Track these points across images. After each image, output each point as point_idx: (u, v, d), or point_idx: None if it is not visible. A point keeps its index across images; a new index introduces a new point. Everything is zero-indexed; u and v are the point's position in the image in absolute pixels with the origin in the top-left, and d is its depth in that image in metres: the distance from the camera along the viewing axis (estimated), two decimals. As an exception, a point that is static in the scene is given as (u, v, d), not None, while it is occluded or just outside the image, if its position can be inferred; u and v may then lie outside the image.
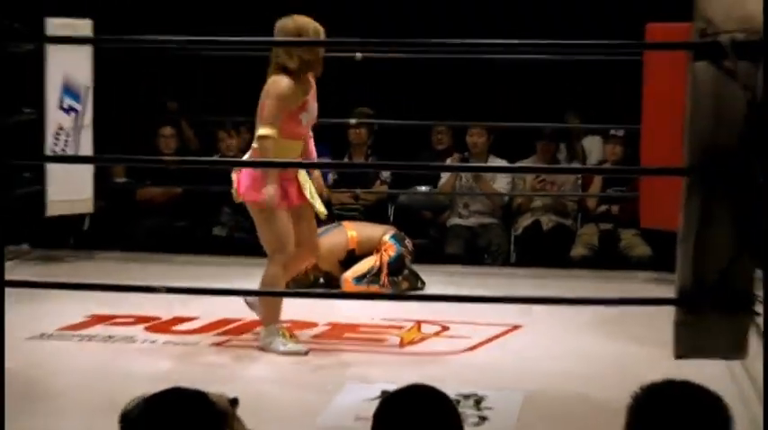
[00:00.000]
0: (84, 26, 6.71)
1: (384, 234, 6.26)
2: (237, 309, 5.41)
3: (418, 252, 6.76)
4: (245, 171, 4.79)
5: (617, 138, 7.18)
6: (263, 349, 4.88)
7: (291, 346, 4.87)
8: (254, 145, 4.75)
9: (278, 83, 4.70)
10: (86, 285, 5.25)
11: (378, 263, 6.12)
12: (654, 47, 5.77)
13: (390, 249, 6.17)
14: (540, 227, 7.34)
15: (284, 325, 4.98)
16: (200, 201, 7.62)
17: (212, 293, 5.18)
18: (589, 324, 5.43)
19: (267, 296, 5.21)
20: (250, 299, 5.10)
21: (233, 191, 4.88)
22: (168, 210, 7.63)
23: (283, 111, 4.69)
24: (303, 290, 5.16)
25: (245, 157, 4.90)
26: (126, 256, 7.17)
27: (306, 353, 4.87)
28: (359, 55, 6.75)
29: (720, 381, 3.50)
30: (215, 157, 7.55)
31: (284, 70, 4.71)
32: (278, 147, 4.67)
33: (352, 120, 7.29)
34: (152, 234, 7.50)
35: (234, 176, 4.84)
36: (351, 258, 6.23)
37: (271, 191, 4.67)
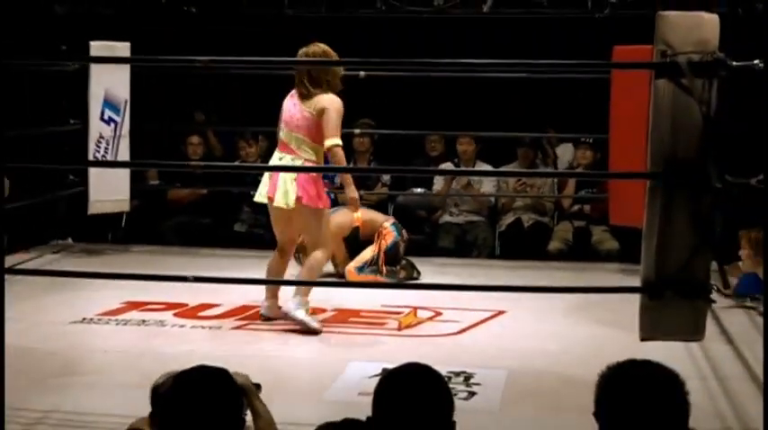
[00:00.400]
0: (122, 48, 6.70)
1: (385, 221, 6.22)
2: (255, 296, 5.40)
3: (414, 246, 6.73)
4: (307, 179, 4.82)
5: (587, 145, 7.14)
6: (285, 313, 4.86)
7: (311, 319, 4.87)
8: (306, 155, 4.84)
9: (336, 100, 4.85)
10: (123, 275, 5.23)
11: (377, 250, 6.06)
12: (620, 66, 5.76)
13: (389, 236, 6.12)
14: (521, 224, 7.31)
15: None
16: (223, 200, 7.58)
17: (234, 282, 5.16)
18: (565, 309, 5.41)
19: (283, 284, 5.25)
20: (267, 313, 5.13)
21: (265, 195, 4.96)
22: (194, 208, 7.59)
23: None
24: (316, 281, 5.13)
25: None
26: (157, 250, 7.14)
27: (318, 333, 4.87)
28: (362, 73, 6.73)
29: (680, 361, 3.54)
30: (236, 163, 7.51)
31: (329, 88, 4.88)
32: (320, 153, 4.86)
33: (356, 131, 7.27)
34: (180, 230, 7.47)
35: (289, 183, 4.82)
36: (355, 237, 6.17)
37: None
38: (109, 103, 6.84)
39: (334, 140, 4.79)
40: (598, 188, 7.15)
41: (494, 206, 7.53)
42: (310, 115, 4.88)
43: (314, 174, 4.90)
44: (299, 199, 4.85)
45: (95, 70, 6.70)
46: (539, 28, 7.53)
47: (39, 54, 6.97)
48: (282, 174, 4.89)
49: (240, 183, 7.51)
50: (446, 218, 7.44)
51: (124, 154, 6.91)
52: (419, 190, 7.55)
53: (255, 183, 7.36)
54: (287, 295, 5.07)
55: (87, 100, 6.71)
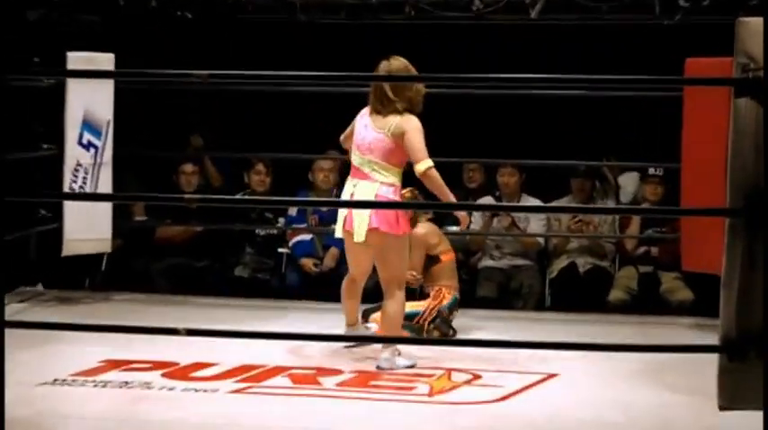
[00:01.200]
0: (105, 60, 6.76)
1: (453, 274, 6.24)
2: (258, 354, 5.41)
3: None
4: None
5: (656, 178, 7.17)
6: (382, 369, 5.22)
7: (407, 361, 5.28)
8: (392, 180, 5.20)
9: (414, 119, 5.24)
10: (102, 327, 5.20)
11: (432, 304, 6.10)
12: (694, 82, 5.74)
13: (450, 294, 6.13)
14: (576, 269, 7.32)
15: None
16: (222, 240, 7.65)
17: (234, 336, 5.14)
18: (628, 372, 5.36)
19: (295, 340, 5.27)
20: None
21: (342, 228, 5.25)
22: (188, 249, 7.65)
23: None
24: (329, 334, 5.22)
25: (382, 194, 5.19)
26: (144, 298, 7.17)
27: (413, 366, 5.29)
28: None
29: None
30: (240, 195, 7.57)
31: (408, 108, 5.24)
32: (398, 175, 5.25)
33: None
34: (171, 274, 7.54)
35: (365, 212, 5.16)
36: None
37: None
38: (89, 125, 6.89)
39: (426, 163, 5.17)
40: (668, 227, 7.13)
41: (543, 248, 7.55)
42: (384, 136, 5.21)
43: (392, 195, 5.19)
44: (374, 229, 5.16)
45: (73, 86, 6.77)
46: (596, 37, 7.54)
47: (6, 67, 7.01)
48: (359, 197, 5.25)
49: (243, 219, 7.54)
50: (487, 262, 7.47)
51: (106, 185, 6.95)
52: (455, 228, 7.47)
53: (262, 220, 7.61)
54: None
55: (63, 121, 6.78)
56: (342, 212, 5.38)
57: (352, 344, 5.67)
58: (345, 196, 5.36)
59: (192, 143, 8.19)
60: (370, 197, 5.18)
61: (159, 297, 7.21)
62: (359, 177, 5.27)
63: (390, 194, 5.21)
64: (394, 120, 5.21)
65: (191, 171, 7.77)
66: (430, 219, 6.39)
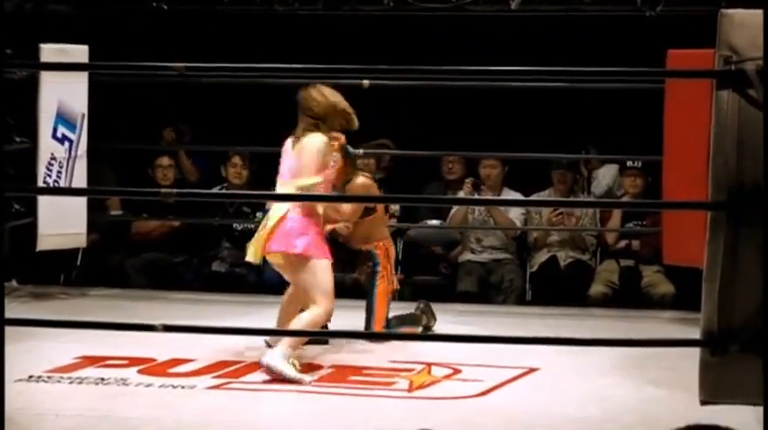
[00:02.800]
0: (79, 52, 6.74)
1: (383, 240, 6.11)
2: (236, 349, 5.41)
3: (429, 289, 6.80)
4: (291, 225, 5.18)
5: (635, 170, 7.18)
6: (267, 366, 4.99)
7: (298, 374, 5.02)
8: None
9: (319, 136, 5.34)
10: (77, 323, 5.23)
11: (386, 268, 6.01)
12: (676, 74, 5.75)
13: (391, 247, 6.09)
14: (556, 263, 7.34)
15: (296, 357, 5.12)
16: (199, 234, 7.64)
17: (212, 332, 5.16)
18: (609, 367, 5.38)
19: (272, 334, 5.27)
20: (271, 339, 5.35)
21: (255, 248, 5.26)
22: (165, 244, 7.64)
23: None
24: (318, 331, 5.24)
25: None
26: (120, 294, 7.18)
27: (309, 383, 5.00)
28: (366, 82, 6.75)
29: (748, 429, 3.48)
30: (217, 190, 7.55)
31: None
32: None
33: (360, 151, 7.23)
34: (148, 270, 7.53)
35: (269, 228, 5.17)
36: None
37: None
38: (63, 119, 6.88)
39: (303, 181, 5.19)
40: (649, 220, 7.15)
41: (523, 241, 7.57)
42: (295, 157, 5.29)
43: (307, 216, 5.18)
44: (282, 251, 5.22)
45: (47, 79, 6.74)
46: (578, 28, 7.55)
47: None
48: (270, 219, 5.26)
49: (220, 213, 7.56)
50: (467, 255, 7.48)
51: (80, 178, 6.94)
52: (434, 221, 7.58)
53: (239, 214, 7.61)
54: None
55: (37, 114, 6.75)
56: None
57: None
58: None
59: (165, 137, 8.16)
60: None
61: (136, 292, 7.22)
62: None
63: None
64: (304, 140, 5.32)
65: (167, 164, 7.76)
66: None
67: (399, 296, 7.11)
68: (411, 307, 6.25)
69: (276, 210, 5.26)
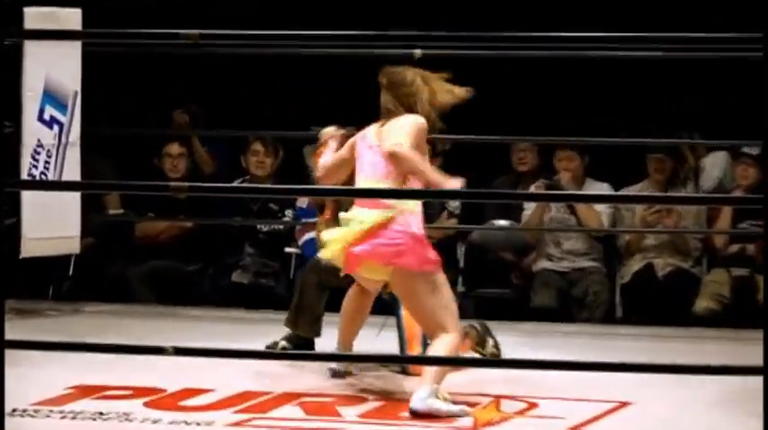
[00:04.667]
0: (71, 17, 6.75)
1: None
2: (263, 378, 5.40)
3: (496, 305, 6.88)
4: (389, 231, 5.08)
5: (750, 158, 7.16)
6: (419, 412, 4.94)
7: (454, 408, 5.01)
8: None
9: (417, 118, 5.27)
10: (70, 345, 5.21)
11: None
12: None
13: None
14: (653, 272, 7.33)
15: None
16: (216, 238, 7.70)
17: (233, 356, 5.12)
18: (719, 399, 5.33)
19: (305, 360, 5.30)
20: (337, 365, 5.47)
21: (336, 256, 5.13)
22: (175, 249, 7.70)
23: None
24: (345, 355, 5.23)
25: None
26: (122, 310, 7.20)
27: (466, 415, 5.00)
28: (418, 51, 6.72)
29: None
30: (237, 182, 7.59)
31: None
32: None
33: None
34: (155, 281, 7.58)
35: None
36: None
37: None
38: (51, 97, 6.90)
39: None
40: (768, 220, 7.08)
41: (612, 245, 7.53)
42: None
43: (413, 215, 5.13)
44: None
45: (32, 49, 6.76)
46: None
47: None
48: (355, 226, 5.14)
49: (242, 211, 7.61)
50: (543, 263, 7.48)
51: (73, 170, 6.96)
52: (503, 222, 7.59)
53: (265, 213, 7.64)
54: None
55: (20, 92, 6.77)
56: None
57: (340, 371, 5.58)
58: None
59: (176, 120, 8.24)
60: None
61: (140, 308, 7.26)
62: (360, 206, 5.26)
63: None
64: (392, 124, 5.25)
65: (177, 153, 7.81)
66: None
67: (461, 313, 7.17)
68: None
69: (367, 213, 5.14)
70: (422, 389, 4.96)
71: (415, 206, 5.18)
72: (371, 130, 5.29)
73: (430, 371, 5.01)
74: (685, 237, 7.40)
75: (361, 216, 5.14)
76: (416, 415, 4.93)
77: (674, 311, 7.05)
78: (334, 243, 5.16)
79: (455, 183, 5.07)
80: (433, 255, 5.16)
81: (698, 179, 7.57)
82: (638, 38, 5.91)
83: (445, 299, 5.17)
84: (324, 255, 5.27)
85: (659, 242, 7.40)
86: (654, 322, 6.95)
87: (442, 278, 5.19)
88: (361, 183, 5.25)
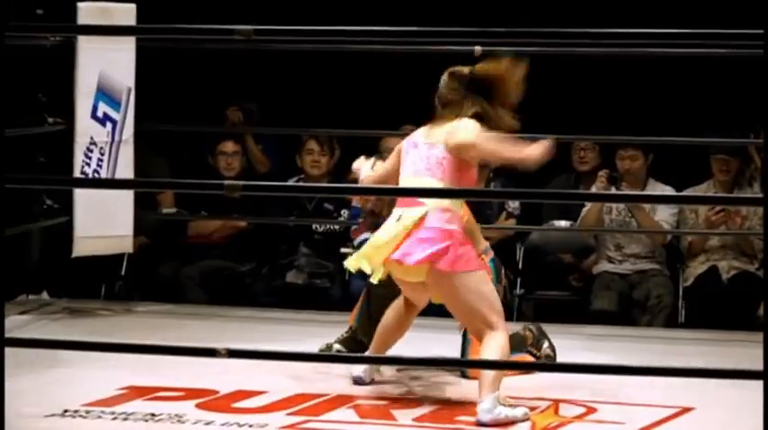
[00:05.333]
0: (125, 13, 6.78)
1: (485, 250, 5.99)
2: (316, 380, 5.42)
3: (555, 308, 6.89)
4: (431, 229, 5.02)
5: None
6: (488, 423, 4.93)
7: (518, 412, 5.03)
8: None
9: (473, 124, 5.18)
10: (122, 346, 5.24)
11: None
12: None
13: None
14: (717, 274, 7.31)
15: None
16: (271, 238, 7.72)
17: (287, 359, 5.11)
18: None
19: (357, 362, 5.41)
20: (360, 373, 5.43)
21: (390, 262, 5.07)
22: (229, 249, 7.73)
23: None
24: (419, 358, 5.22)
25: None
26: (174, 310, 7.22)
27: (526, 418, 5.01)
28: (478, 48, 6.71)
29: None
30: (293, 181, 7.63)
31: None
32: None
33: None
34: (208, 280, 7.62)
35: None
36: None
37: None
38: (104, 94, 6.94)
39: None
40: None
41: (675, 247, 7.51)
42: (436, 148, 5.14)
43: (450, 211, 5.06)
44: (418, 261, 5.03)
45: (85, 45, 6.80)
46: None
47: (2, 21, 7.08)
48: (392, 226, 5.10)
49: (297, 211, 7.66)
50: (603, 265, 7.47)
51: (126, 168, 7.00)
52: (563, 223, 7.58)
53: (320, 212, 7.69)
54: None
55: (73, 89, 6.82)
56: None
57: (363, 379, 5.50)
58: None
59: (230, 118, 8.28)
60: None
61: (193, 308, 7.27)
62: (403, 206, 5.18)
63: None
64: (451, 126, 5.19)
65: (232, 151, 7.84)
66: None
67: (518, 316, 7.29)
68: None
69: (409, 211, 5.10)
70: (485, 401, 4.93)
71: (452, 203, 5.10)
72: (419, 132, 5.27)
73: (487, 377, 4.96)
74: (750, 239, 7.34)
75: (398, 216, 5.12)
76: (485, 425, 4.92)
77: (739, 315, 6.99)
78: (366, 255, 5.15)
79: (537, 149, 5.07)
80: (471, 252, 5.12)
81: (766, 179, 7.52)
82: (700, 34, 5.87)
83: (487, 296, 5.11)
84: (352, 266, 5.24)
85: (723, 243, 7.36)
86: (717, 326, 6.89)
87: (481, 276, 5.14)
88: (402, 182, 5.21)
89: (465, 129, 5.03)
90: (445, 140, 5.08)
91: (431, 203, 5.05)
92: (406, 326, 5.42)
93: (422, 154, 5.16)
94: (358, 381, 5.46)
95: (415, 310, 5.40)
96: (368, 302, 5.81)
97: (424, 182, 5.10)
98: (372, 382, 5.48)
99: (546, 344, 5.99)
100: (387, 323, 5.43)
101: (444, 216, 5.05)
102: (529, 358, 5.88)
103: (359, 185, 5.53)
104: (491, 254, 5.97)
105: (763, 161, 7.27)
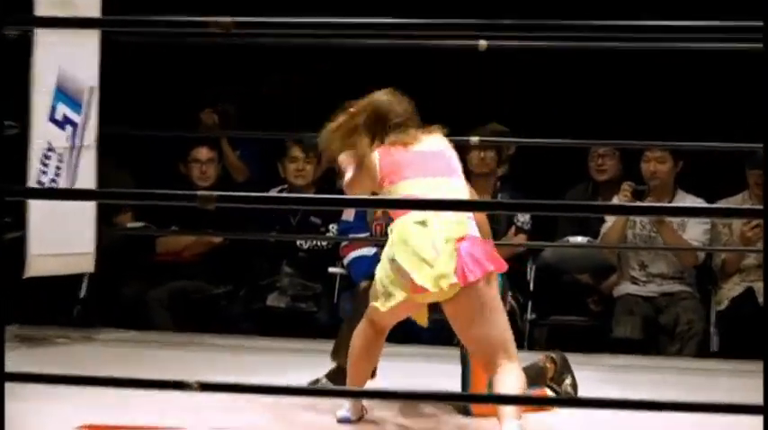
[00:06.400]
0: (88, 3, 6.74)
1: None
2: (301, 417, 5.38)
3: (572, 335, 6.96)
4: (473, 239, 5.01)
5: None
6: None
7: None
8: None
9: None
10: (82, 379, 5.17)
11: None
12: None
13: None
14: (753, 297, 7.27)
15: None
16: (250, 256, 7.69)
17: (268, 392, 5.07)
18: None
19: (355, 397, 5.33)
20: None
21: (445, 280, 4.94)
22: (202, 269, 7.72)
23: None
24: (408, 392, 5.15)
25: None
26: (140, 337, 7.21)
27: None
28: (483, 42, 6.69)
29: None
30: (275, 191, 7.63)
31: None
32: None
33: (474, 138, 7.19)
34: (178, 304, 7.59)
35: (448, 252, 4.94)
36: None
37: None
38: (64, 94, 6.92)
39: None
40: None
41: (707, 267, 7.50)
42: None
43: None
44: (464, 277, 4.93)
45: (43, 40, 6.75)
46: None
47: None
48: (429, 235, 4.96)
49: (279, 225, 7.65)
50: (626, 287, 7.45)
51: (88, 177, 6.97)
52: (579, 239, 7.55)
53: (306, 227, 7.71)
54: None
55: (29, 88, 6.77)
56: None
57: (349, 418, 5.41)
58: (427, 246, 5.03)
59: (204, 121, 8.27)
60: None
61: (160, 335, 7.26)
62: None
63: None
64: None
65: (206, 158, 7.84)
66: None
67: (529, 344, 7.29)
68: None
69: (450, 225, 4.99)
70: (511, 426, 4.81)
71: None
72: (398, 139, 5.26)
73: (508, 408, 4.84)
74: (791, 257, 7.31)
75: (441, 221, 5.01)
76: None
77: (780, 343, 6.93)
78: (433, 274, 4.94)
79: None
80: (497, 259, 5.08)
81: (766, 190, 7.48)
82: (738, 27, 5.86)
83: (505, 317, 5.06)
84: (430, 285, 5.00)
85: (760, 262, 7.32)
86: (755, 355, 6.80)
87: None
88: (416, 187, 5.11)
89: None
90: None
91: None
92: (378, 352, 5.33)
93: (433, 156, 5.19)
94: (344, 421, 5.37)
95: (384, 334, 5.29)
96: (350, 322, 5.71)
97: (452, 183, 5.12)
98: (361, 420, 5.41)
99: (568, 380, 5.93)
100: (357, 353, 5.31)
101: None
102: (548, 393, 5.81)
103: (349, 197, 5.46)
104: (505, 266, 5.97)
105: (763, 169, 7.20)
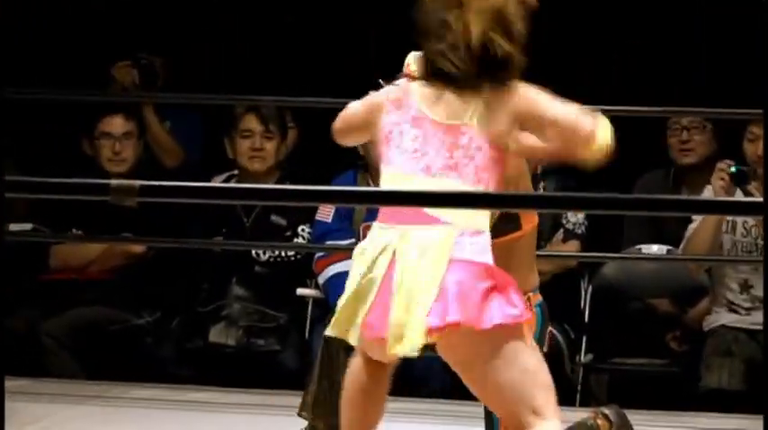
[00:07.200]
0: None
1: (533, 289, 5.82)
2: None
3: (643, 383, 7.18)
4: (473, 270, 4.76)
5: None
6: None
7: None
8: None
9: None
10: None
11: None
12: None
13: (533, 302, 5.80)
14: None
15: None
16: (185, 271, 7.65)
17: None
18: None
19: None
20: None
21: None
22: (117, 290, 7.65)
23: None
24: None
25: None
26: (29, 388, 7.04)
27: None
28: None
29: None
30: (221, 180, 7.75)
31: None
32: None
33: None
34: (83, 341, 7.51)
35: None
36: None
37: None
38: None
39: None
40: None
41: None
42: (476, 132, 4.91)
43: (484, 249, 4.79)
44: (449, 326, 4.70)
45: None
46: None
47: None
48: (403, 280, 4.75)
49: (228, 229, 7.47)
50: (721, 316, 7.33)
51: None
52: (655, 248, 7.38)
53: (266, 229, 7.82)
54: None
55: None
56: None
57: None
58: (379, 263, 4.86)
59: (118, 78, 8.22)
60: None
61: (60, 386, 7.20)
62: (411, 222, 4.82)
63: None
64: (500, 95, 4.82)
65: (121, 132, 7.74)
66: None
67: (583, 397, 7.29)
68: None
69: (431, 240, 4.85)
70: None
71: (485, 220, 4.82)
72: (417, 96, 4.88)
73: None
74: None
75: (418, 239, 4.81)
76: None
77: None
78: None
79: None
80: (515, 295, 4.80)
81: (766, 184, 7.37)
82: None
83: (533, 365, 4.81)
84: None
85: None
86: None
87: (525, 333, 4.86)
88: (397, 181, 4.93)
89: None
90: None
91: (458, 221, 4.75)
92: (379, 403, 5.08)
93: (436, 140, 4.86)
94: None
95: (383, 375, 5.06)
96: (322, 364, 5.78)
97: (444, 185, 4.84)
98: None
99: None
100: (350, 403, 5.09)
101: (479, 242, 4.74)
102: None
103: (333, 188, 5.36)
104: (539, 297, 5.76)
105: (764, 163, 7.26)
